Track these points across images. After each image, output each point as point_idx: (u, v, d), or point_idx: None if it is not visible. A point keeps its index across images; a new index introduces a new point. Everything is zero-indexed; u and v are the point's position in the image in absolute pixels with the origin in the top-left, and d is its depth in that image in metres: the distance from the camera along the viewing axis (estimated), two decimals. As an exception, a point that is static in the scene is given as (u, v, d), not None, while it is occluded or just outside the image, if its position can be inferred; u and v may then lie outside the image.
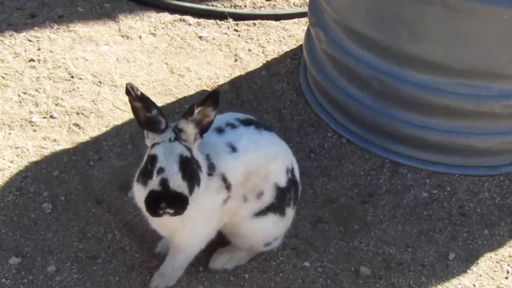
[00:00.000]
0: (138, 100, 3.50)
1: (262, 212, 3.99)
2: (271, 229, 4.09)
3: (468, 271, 4.34)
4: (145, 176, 3.55)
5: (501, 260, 4.39)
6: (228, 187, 3.81)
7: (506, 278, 4.30)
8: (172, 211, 3.48)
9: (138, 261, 4.26)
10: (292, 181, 4.08)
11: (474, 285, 4.26)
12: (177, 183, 3.47)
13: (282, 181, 4.00)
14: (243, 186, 3.87)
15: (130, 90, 3.47)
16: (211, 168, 3.75)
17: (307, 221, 4.55)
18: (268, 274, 4.25)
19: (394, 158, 4.94)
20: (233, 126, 3.91)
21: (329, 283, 4.23)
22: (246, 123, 3.97)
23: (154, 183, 3.47)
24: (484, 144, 4.79)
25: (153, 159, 3.52)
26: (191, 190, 3.54)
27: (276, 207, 4.01)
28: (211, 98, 3.51)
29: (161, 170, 3.48)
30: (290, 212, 4.13)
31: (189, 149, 3.57)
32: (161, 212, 3.48)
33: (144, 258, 4.27)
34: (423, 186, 4.81)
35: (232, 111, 4.11)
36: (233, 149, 3.82)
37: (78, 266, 4.22)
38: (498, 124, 4.72)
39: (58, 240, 4.34)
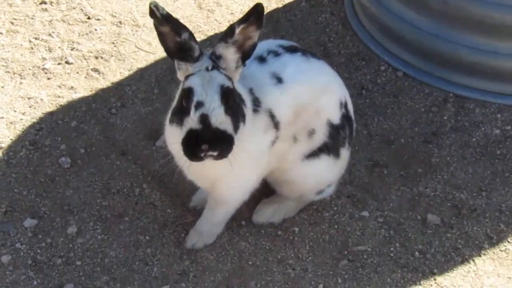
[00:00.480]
0: (165, 22, 3.03)
1: (314, 154, 3.52)
2: (324, 173, 3.62)
3: (555, 215, 3.82)
4: (181, 114, 3.07)
5: None
6: (276, 125, 3.33)
7: None
8: (215, 154, 3.01)
9: (171, 217, 3.81)
10: (346, 117, 3.60)
11: (563, 231, 3.74)
12: (220, 119, 3.00)
13: (336, 118, 3.53)
14: (293, 123, 3.39)
15: (154, 10, 3.00)
16: (256, 104, 3.28)
17: (362, 166, 4.08)
18: (321, 226, 3.79)
19: (459, 92, 4.43)
20: (276, 54, 3.43)
21: (392, 234, 3.76)
22: (291, 50, 3.49)
23: (192, 120, 3.00)
24: None
25: (189, 92, 3.04)
26: (236, 127, 3.07)
27: (330, 147, 3.53)
28: (254, 14, 3.02)
29: (199, 105, 3.00)
30: (345, 153, 3.65)
31: (230, 79, 3.09)
32: (202, 155, 3.00)
33: (178, 214, 3.82)
34: (495, 122, 4.30)
35: (287, 41, 3.65)
36: (279, 80, 3.34)
37: (102, 225, 3.78)
38: None
39: (78, 197, 3.90)
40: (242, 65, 3.14)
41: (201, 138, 2.97)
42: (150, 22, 4.83)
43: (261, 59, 3.38)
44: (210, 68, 3.07)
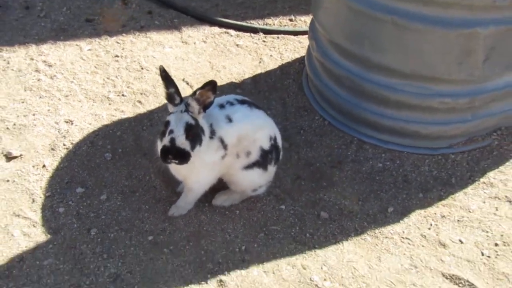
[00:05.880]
0: (161, 78, 3.64)
1: (249, 166, 4.05)
2: (256, 179, 4.15)
3: (401, 221, 4.25)
4: (162, 135, 3.69)
5: (428, 216, 4.29)
6: (225, 147, 3.88)
7: (429, 228, 4.21)
8: (176, 162, 3.62)
9: (164, 196, 4.38)
10: (274, 146, 4.11)
11: (403, 231, 4.20)
12: (181, 142, 3.60)
13: (266, 146, 4.05)
14: (236, 147, 3.94)
15: (159, 70, 3.63)
16: (212, 133, 3.84)
17: (289, 177, 4.56)
18: (253, 211, 4.30)
19: (361, 137, 4.87)
20: (231, 104, 3.98)
21: (296, 221, 4.24)
22: (242, 102, 4.03)
23: (165, 140, 3.62)
24: (426, 131, 4.68)
25: (167, 123, 3.66)
26: (193, 147, 3.65)
27: (260, 163, 4.07)
28: (208, 86, 3.60)
29: (171, 132, 3.62)
30: (271, 168, 4.18)
31: (195, 119, 3.67)
32: (169, 161, 3.62)
33: (168, 194, 4.38)
34: (379, 159, 4.74)
35: (242, 96, 4.13)
36: (230, 120, 3.90)
37: (122, 196, 4.38)
38: (436, 116, 4.58)
39: (112, 179, 4.51)
40: (203, 112, 3.69)
41: (168, 151, 3.59)
42: (179, 74, 5.55)
43: (221, 106, 3.93)
44: (183, 110, 3.65)
